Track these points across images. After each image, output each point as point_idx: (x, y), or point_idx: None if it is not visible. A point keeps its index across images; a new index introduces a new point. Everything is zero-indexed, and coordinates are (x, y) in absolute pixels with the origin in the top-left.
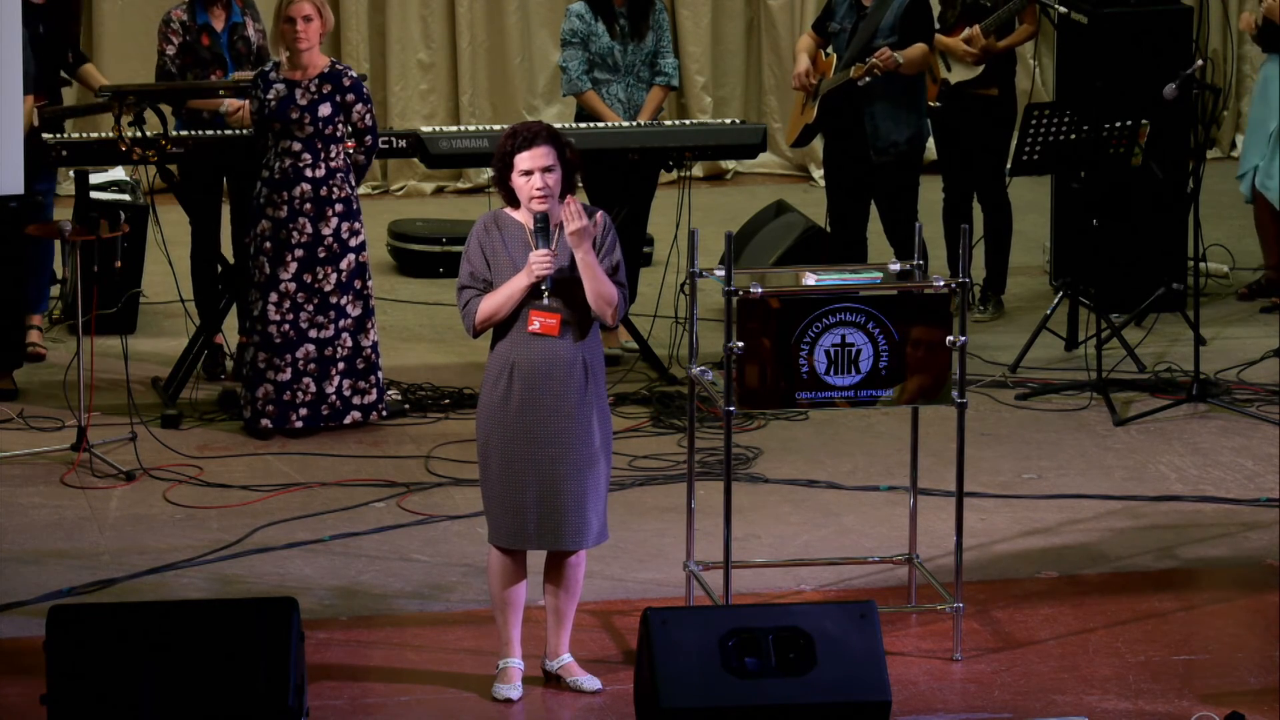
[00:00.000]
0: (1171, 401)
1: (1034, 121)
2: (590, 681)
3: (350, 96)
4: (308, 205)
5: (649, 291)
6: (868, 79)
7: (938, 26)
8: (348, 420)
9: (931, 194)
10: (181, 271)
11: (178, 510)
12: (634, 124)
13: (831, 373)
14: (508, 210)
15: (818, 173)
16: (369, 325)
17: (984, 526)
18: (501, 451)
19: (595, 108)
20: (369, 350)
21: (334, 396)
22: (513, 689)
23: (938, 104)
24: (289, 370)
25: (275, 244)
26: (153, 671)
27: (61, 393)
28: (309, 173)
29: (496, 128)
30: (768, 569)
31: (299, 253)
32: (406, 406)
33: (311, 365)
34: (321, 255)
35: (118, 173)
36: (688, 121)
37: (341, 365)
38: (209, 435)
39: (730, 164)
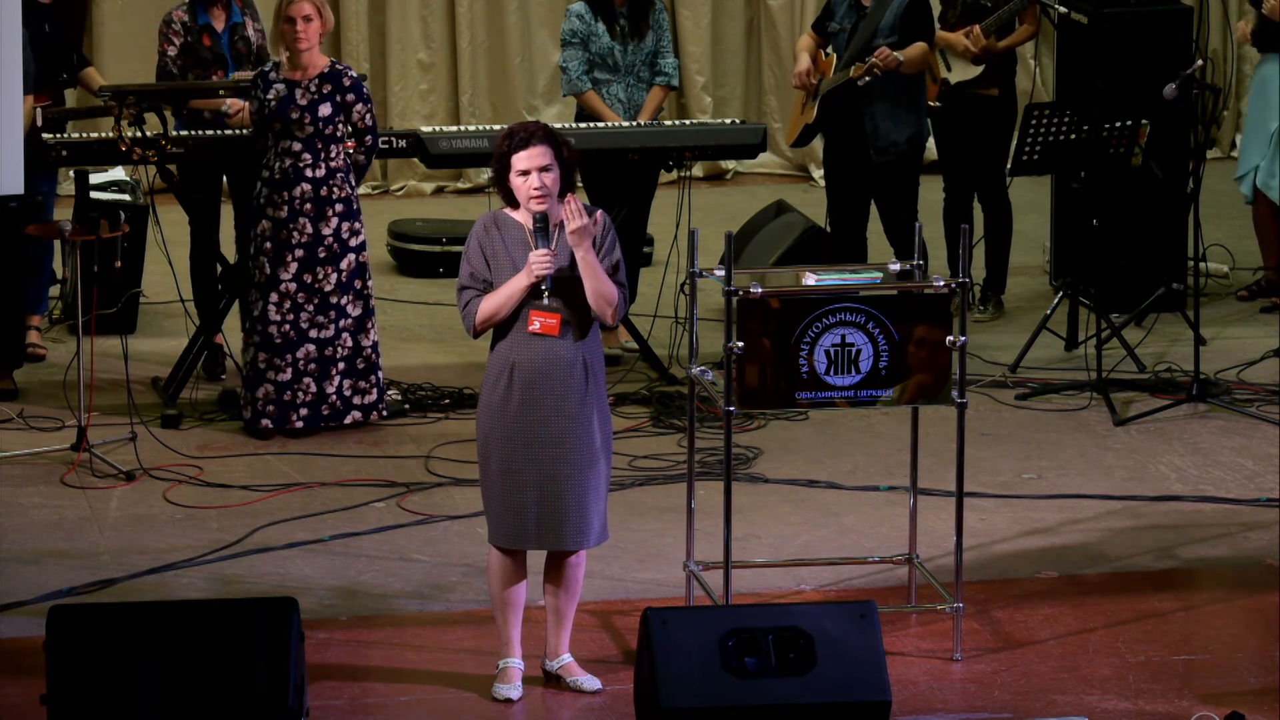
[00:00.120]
0: (1171, 401)
1: (1034, 121)
2: (590, 681)
3: (350, 96)
4: (308, 205)
5: (649, 291)
6: (868, 79)
7: (938, 26)
8: (348, 420)
9: (931, 194)
10: (181, 271)
11: (178, 510)
12: (634, 124)
13: (831, 373)
14: (507, 210)
15: (818, 173)
16: (369, 325)
17: (984, 526)
18: (502, 451)
19: (595, 108)
20: (369, 350)
21: (334, 396)
22: (513, 689)
23: (938, 104)
24: (289, 370)
25: (275, 244)
26: (153, 671)
27: (61, 393)
28: (309, 173)
29: (496, 128)
30: (768, 569)
31: (299, 253)
32: (406, 406)
33: (312, 365)
34: (322, 255)
35: (118, 173)
36: (688, 121)
37: (342, 365)
38: (209, 435)
39: (730, 164)
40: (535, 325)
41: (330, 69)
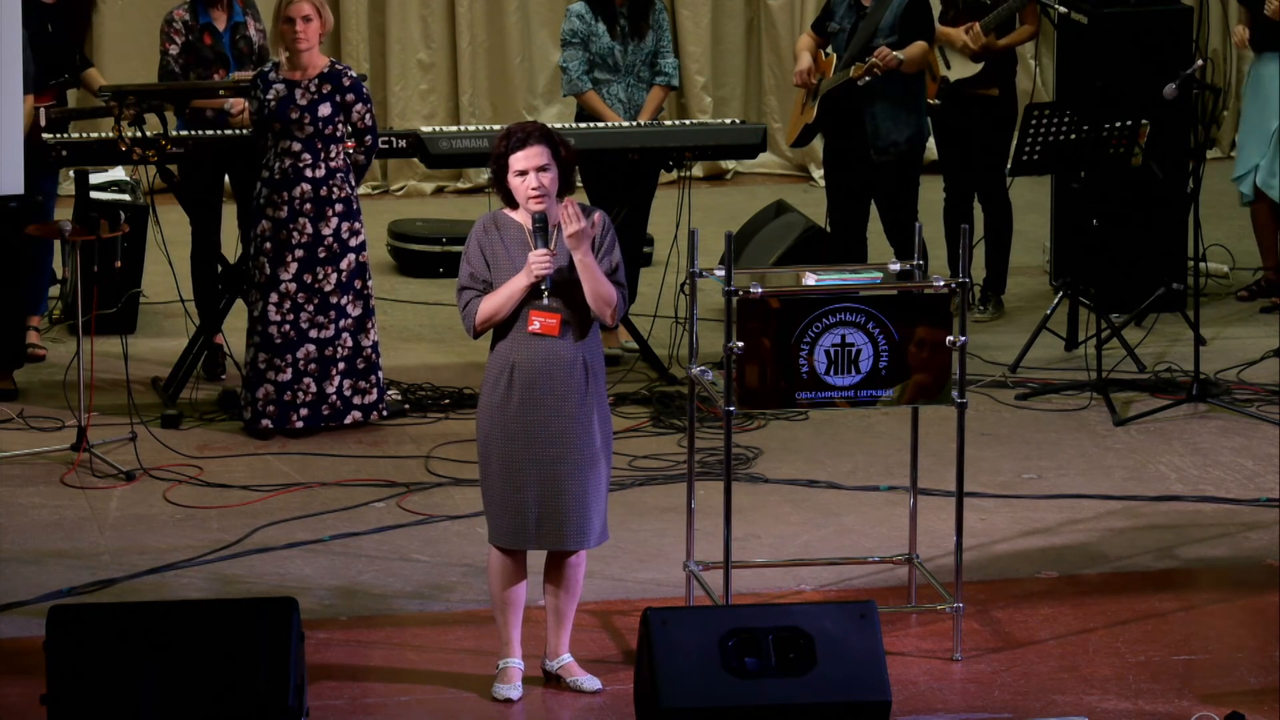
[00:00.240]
0: (1171, 401)
1: (1034, 121)
2: (590, 681)
3: (350, 96)
4: (308, 205)
5: (649, 291)
6: (868, 78)
7: (938, 24)
8: (348, 420)
9: (931, 194)
10: (181, 272)
11: (178, 510)
12: (634, 124)
13: (831, 373)
14: (507, 211)
15: (818, 173)
16: (369, 325)
17: (984, 526)
18: (502, 452)
19: (596, 108)
20: (369, 350)
21: (334, 396)
22: (513, 689)
23: (937, 101)
24: (289, 370)
25: (275, 244)
26: (153, 671)
27: (61, 393)
28: (309, 173)
29: (496, 128)
30: (768, 569)
31: (299, 253)
32: (406, 406)
33: (312, 365)
34: (321, 255)
35: (118, 173)
36: (688, 121)
37: (342, 365)
38: (209, 435)
39: (730, 164)
40: (535, 325)
41: (330, 69)
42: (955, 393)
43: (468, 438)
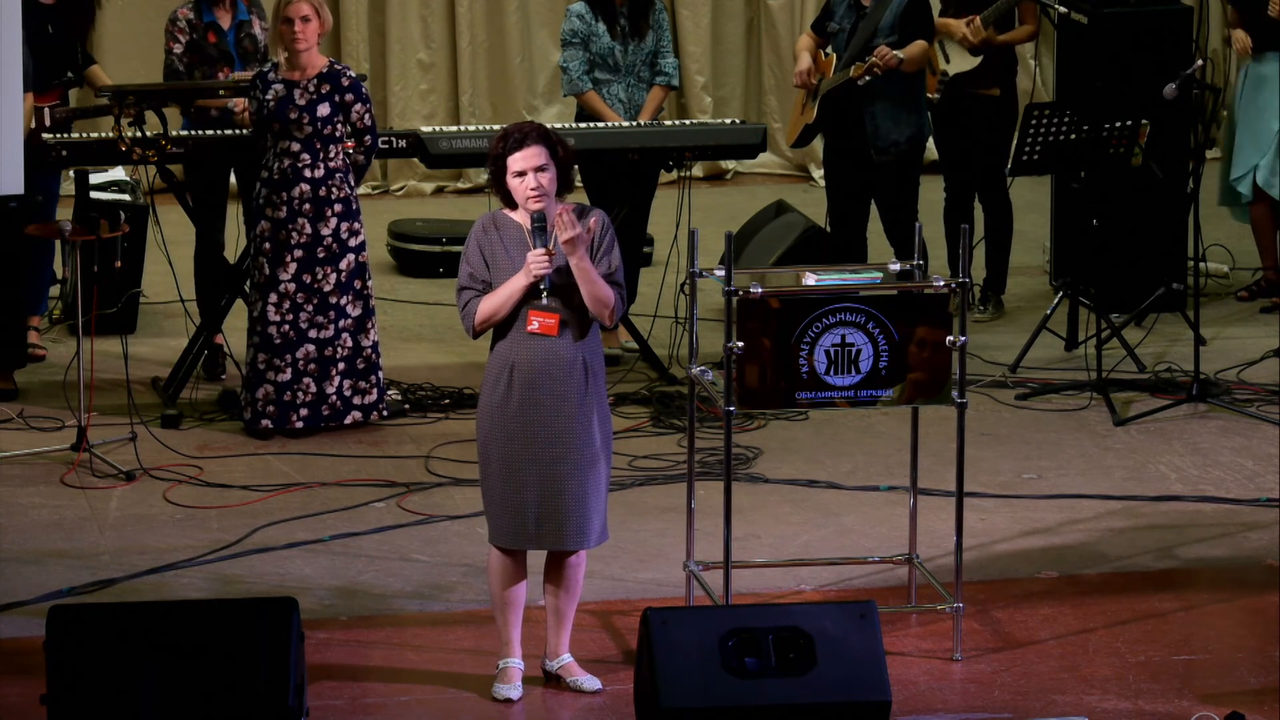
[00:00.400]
0: (1171, 401)
1: (1034, 121)
2: (590, 681)
3: (349, 96)
4: (307, 205)
5: (649, 291)
6: (868, 78)
7: (938, 18)
8: (348, 420)
9: (932, 194)
10: (181, 272)
11: (178, 510)
12: (634, 124)
13: (831, 373)
14: (506, 211)
15: (818, 173)
16: (369, 325)
17: (984, 526)
18: (502, 452)
19: (596, 108)
20: (369, 350)
21: (334, 396)
22: (513, 689)
23: (937, 95)
24: (289, 370)
25: (275, 244)
26: (153, 671)
27: (61, 393)
28: (308, 173)
29: (496, 128)
30: (768, 569)
31: (298, 253)
32: (406, 406)
33: (312, 365)
34: (321, 255)
35: (118, 173)
36: (688, 121)
37: (342, 365)
38: (209, 435)
39: (730, 164)
40: (534, 325)
41: (329, 69)
42: (955, 393)
43: (468, 438)
